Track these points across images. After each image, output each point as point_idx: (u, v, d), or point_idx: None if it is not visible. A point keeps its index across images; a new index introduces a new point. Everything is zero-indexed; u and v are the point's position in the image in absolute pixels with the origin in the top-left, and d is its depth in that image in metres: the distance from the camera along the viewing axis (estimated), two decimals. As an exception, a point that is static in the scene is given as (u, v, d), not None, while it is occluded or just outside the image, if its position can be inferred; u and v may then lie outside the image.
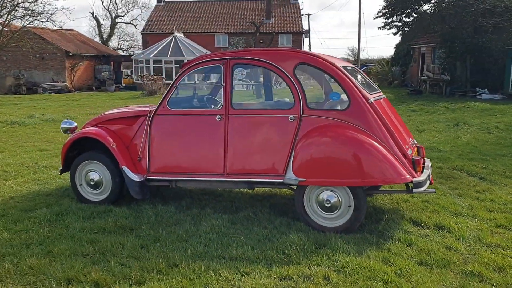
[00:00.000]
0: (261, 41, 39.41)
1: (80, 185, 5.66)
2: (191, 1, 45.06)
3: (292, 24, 40.98)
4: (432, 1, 23.88)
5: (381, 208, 5.34)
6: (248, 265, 3.85)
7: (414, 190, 4.47)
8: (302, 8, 43.72)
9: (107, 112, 6.00)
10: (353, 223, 4.55)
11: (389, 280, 3.55)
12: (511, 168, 7.08)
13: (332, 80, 4.81)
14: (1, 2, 25.20)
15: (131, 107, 6.24)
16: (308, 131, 4.68)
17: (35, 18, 26.72)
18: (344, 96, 4.70)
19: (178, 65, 28.65)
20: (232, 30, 40.90)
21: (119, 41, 55.78)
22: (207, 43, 37.82)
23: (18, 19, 26.60)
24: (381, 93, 5.32)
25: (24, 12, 26.37)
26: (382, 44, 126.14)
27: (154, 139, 5.34)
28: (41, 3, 40.64)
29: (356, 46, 44.25)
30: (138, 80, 30.10)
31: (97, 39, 50.68)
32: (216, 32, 40.68)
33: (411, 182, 4.43)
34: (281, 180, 4.78)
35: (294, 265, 3.85)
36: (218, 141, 5.02)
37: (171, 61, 30.75)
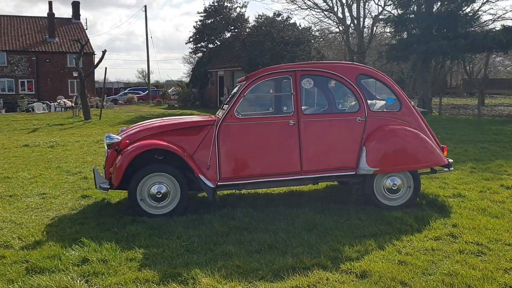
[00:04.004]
0: (47, 60, 37.05)
1: (141, 200, 5.44)
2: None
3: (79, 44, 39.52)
4: (236, 30, 26.64)
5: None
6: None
7: (451, 168, 5.96)
8: (86, 28, 42.32)
9: (156, 124, 5.85)
10: (412, 200, 5.77)
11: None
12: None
13: (385, 87, 5.96)
14: None
15: (184, 118, 6.20)
16: (373, 129, 5.72)
17: None
18: (396, 100, 5.90)
19: None
20: (12, 47, 37.07)
21: None
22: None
23: None
24: None
25: None
26: (171, 67, 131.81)
27: (224, 147, 5.57)
28: None
29: (146, 69, 45.03)
30: None
31: None
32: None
33: (449, 163, 5.90)
34: (354, 172, 5.69)
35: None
36: (294, 144, 5.62)
37: None
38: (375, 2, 42.59)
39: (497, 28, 20.20)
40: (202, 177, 5.44)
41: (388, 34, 24.21)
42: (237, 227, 5.00)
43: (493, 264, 3.96)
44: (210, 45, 26.75)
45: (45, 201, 6.34)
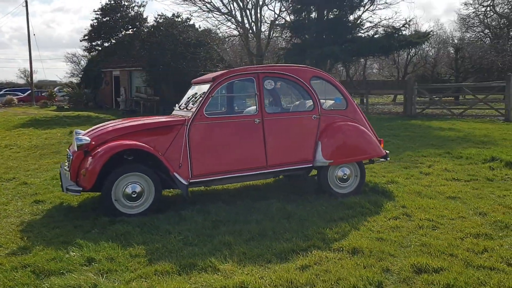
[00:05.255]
0: None
1: (115, 200, 5.47)
2: None
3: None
4: (134, 29, 26.18)
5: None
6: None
7: (388, 158, 6.84)
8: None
9: (125, 125, 5.86)
10: (359, 188, 6.53)
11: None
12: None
13: (333, 87, 6.62)
14: None
15: (153, 118, 6.24)
16: (326, 126, 6.36)
17: None
18: (343, 99, 6.61)
19: None
20: None
21: None
22: None
23: None
24: None
25: None
26: (46, 66, 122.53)
27: (194, 146, 5.81)
28: None
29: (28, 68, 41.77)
30: None
31: None
32: None
33: (386, 154, 6.77)
34: (311, 165, 6.29)
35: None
36: (259, 141, 6.05)
37: None
38: (269, 8, 44.17)
39: (381, 35, 22.39)
40: (177, 175, 5.64)
41: (286, 38, 25.41)
42: (219, 220, 5.30)
43: (450, 234, 4.78)
44: (106, 44, 25.84)
45: (-4, 208, 6.01)
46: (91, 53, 26.43)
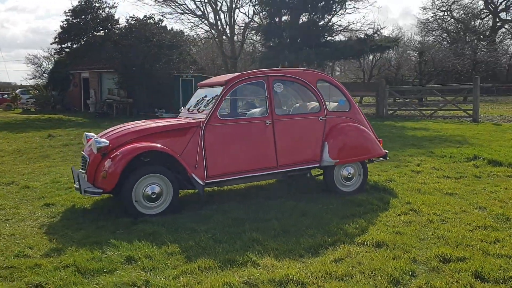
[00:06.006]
0: None
1: (136, 201, 5.56)
2: None
3: None
4: (105, 31, 25.83)
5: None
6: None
7: (387, 158, 7.18)
8: None
9: (140, 127, 5.94)
10: (363, 186, 6.84)
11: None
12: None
13: (337, 90, 6.91)
14: None
15: (166, 120, 6.32)
16: (331, 127, 6.65)
17: None
18: (346, 102, 6.91)
19: None
20: None
21: None
22: None
23: None
24: None
25: None
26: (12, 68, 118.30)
27: (209, 147, 5.97)
28: None
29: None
30: None
31: None
32: None
33: (386, 153, 7.11)
34: (318, 165, 6.56)
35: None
36: (270, 141, 6.27)
37: None
38: (240, 12, 44.30)
39: (354, 40, 23.09)
40: (194, 176, 5.78)
41: (260, 41, 25.71)
42: (239, 219, 5.48)
43: (460, 227, 5.13)
44: (76, 45, 25.36)
45: (8, 212, 5.98)
46: (61, 55, 25.81)
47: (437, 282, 3.70)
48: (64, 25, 24.09)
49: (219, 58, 25.73)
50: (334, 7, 23.57)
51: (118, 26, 24.86)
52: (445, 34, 54.70)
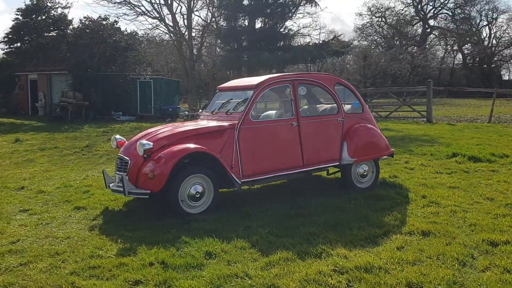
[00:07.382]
0: None
1: (181, 201, 5.70)
2: None
3: None
4: (57, 31, 24.98)
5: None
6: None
7: (393, 156, 7.74)
8: None
9: (179, 130, 6.07)
10: (375, 182, 7.35)
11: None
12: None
13: (351, 93, 7.36)
14: None
15: (201, 123, 6.44)
16: (348, 127, 7.10)
17: None
18: (359, 104, 7.38)
19: None
20: None
21: None
22: None
23: None
24: None
25: None
26: None
27: (243, 148, 6.22)
28: None
29: None
30: None
31: None
32: None
33: (393, 151, 7.67)
34: (338, 163, 6.98)
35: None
36: (296, 142, 6.60)
37: None
38: (195, 15, 43.73)
39: (312, 45, 23.85)
40: (233, 175, 6.01)
41: (219, 45, 25.88)
42: (285, 215, 5.77)
43: (484, 215, 5.71)
44: (25, 46, 24.26)
45: (42, 216, 5.90)
46: (9, 56, 24.58)
47: (501, 262, 4.21)
48: (15, 24, 22.99)
49: (175, 60, 25.62)
50: (288, 11, 24.24)
51: (72, 26, 24.08)
52: (380, 40, 57.58)
